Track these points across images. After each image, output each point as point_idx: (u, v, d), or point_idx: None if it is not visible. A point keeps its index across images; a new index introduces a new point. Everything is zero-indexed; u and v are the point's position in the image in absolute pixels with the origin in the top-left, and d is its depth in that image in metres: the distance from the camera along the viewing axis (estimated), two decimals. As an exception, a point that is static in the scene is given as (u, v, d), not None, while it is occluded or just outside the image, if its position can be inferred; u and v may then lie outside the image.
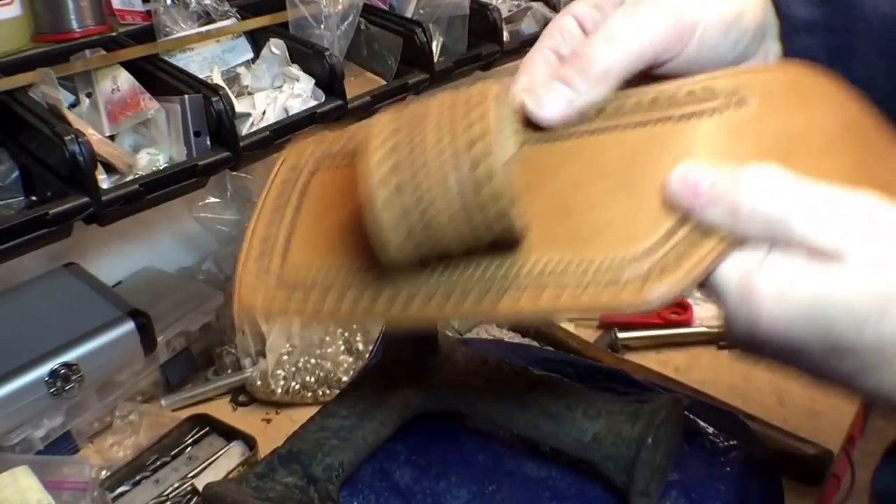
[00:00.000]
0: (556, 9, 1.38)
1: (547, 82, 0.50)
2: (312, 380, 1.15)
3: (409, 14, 1.20)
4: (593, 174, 0.48)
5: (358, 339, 1.18)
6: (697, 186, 0.44)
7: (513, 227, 0.45)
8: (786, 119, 0.47)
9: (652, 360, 1.14)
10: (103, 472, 1.00)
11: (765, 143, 0.46)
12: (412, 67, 1.15)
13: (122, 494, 0.99)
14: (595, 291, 0.45)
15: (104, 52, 0.95)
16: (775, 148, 0.46)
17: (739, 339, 0.44)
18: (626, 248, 0.45)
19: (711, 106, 0.48)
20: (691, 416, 0.80)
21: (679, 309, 1.23)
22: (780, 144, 0.46)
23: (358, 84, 1.13)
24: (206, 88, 0.93)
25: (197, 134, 0.94)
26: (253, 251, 0.55)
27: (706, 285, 0.44)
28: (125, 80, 0.93)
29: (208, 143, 0.95)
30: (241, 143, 0.95)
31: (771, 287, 0.41)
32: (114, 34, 0.99)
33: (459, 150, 0.44)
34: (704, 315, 1.23)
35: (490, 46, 1.26)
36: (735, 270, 0.43)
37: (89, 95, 0.94)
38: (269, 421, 1.13)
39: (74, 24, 0.96)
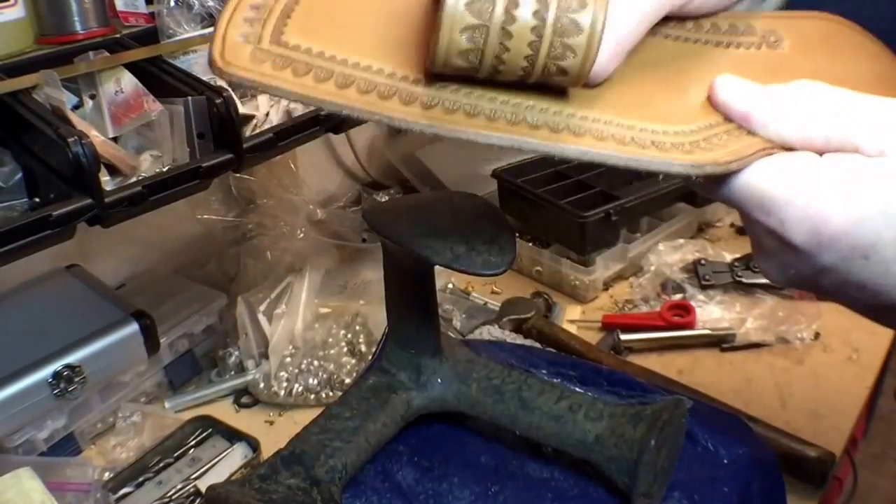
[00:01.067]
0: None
1: None
2: (315, 381, 1.15)
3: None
4: (653, 67, 0.50)
5: (361, 340, 1.19)
6: (749, 91, 0.47)
7: (583, 68, 0.43)
8: (818, 64, 0.52)
9: (654, 363, 1.14)
10: (106, 474, 1.00)
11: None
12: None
13: (125, 496, 0.99)
14: (637, 147, 0.47)
15: (107, 54, 0.95)
16: None
17: (800, 245, 0.45)
18: (666, 123, 0.48)
19: (749, 40, 0.52)
20: (694, 418, 0.80)
21: (682, 311, 1.23)
22: None
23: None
24: (209, 90, 0.93)
25: (200, 136, 0.94)
26: (240, 12, 0.47)
27: (750, 199, 0.47)
28: (128, 81, 0.94)
29: (211, 145, 0.95)
30: (245, 146, 0.95)
31: (838, 187, 0.43)
32: (117, 36, 0.99)
33: None
34: (707, 318, 1.22)
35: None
36: (791, 175, 0.45)
37: (93, 97, 0.94)
38: (272, 423, 1.13)
39: (78, 26, 0.96)
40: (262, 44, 0.45)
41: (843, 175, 0.43)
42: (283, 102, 1.04)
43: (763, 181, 0.46)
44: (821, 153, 0.45)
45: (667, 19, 0.52)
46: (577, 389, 0.77)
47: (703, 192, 0.50)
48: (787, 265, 0.47)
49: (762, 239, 0.48)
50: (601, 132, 0.47)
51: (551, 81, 0.44)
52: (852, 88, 0.48)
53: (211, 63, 0.45)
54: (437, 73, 0.44)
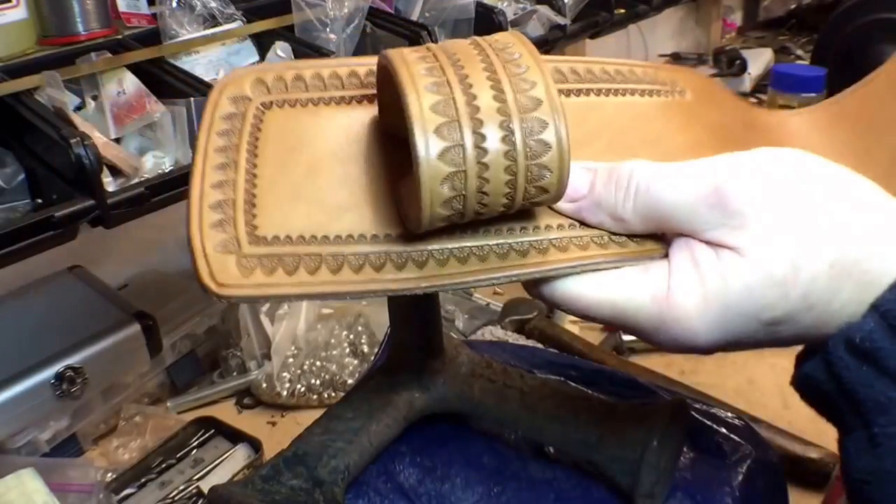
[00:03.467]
0: (561, 12, 1.38)
1: None
2: (318, 382, 1.15)
3: (414, 17, 1.20)
4: (584, 137, 0.48)
5: (363, 341, 1.18)
6: (578, 189, 0.46)
7: (561, 183, 0.42)
8: (713, 112, 0.51)
9: (657, 363, 1.14)
10: (109, 475, 1.00)
11: (708, 128, 0.48)
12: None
13: (127, 497, 0.99)
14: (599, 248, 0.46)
15: (110, 55, 0.95)
16: (715, 134, 0.48)
17: (677, 350, 0.46)
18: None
19: (662, 88, 0.50)
20: (696, 418, 0.80)
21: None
22: (716, 132, 0.49)
23: (363, 87, 1.13)
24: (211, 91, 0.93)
25: (202, 137, 0.94)
26: (206, 219, 0.42)
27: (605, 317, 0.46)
28: (131, 82, 0.94)
29: (214, 145, 0.95)
30: (247, 146, 0.95)
31: (692, 304, 0.42)
32: (119, 37, 0.99)
33: (523, 107, 0.40)
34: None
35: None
36: (645, 299, 0.44)
37: (95, 98, 0.94)
38: (274, 423, 1.13)
39: (80, 27, 0.96)
40: (243, 249, 0.42)
41: (694, 287, 0.43)
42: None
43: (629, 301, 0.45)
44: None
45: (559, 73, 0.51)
46: (580, 390, 0.77)
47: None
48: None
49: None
50: (581, 239, 0.46)
51: (534, 203, 0.43)
52: (735, 134, 0.49)
53: (204, 288, 0.41)
54: (424, 229, 0.42)
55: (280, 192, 0.44)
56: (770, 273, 0.40)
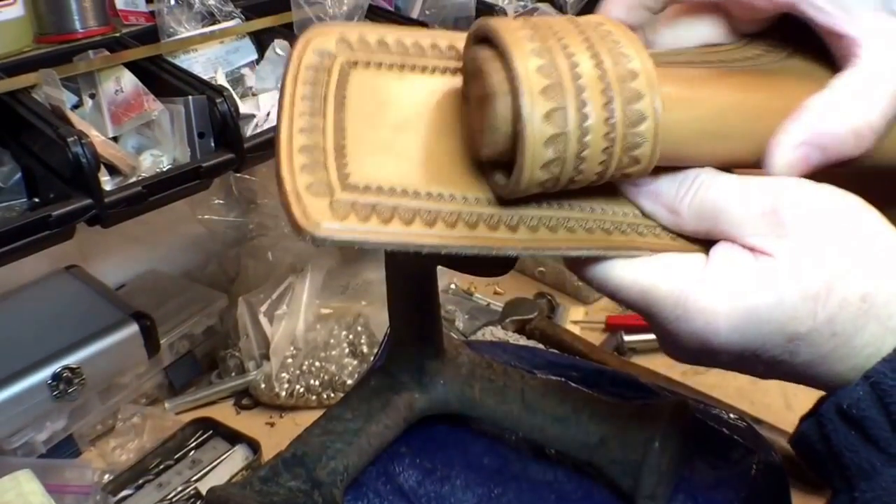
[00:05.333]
0: (562, 10, 1.37)
1: None
2: (317, 383, 1.14)
3: (414, 15, 1.20)
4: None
5: (362, 341, 1.18)
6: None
7: (653, 153, 0.42)
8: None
9: (658, 364, 1.14)
10: (106, 476, 1.00)
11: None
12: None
13: (124, 498, 0.99)
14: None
15: (107, 53, 0.94)
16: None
17: (689, 351, 0.45)
18: None
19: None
20: (698, 419, 0.79)
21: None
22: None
23: (363, 85, 1.13)
24: (209, 90, 0.93)
25: (201, 135, 0.93)
26: (296, 161, 0.42)
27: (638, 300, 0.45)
28: (128, 81, 0.93)
29: (212, 144, 0.94)
30: (245, 145, 0.95)
31: (722, 299, 0.42)
32: (117, 35, 0.99)
33: (622, 77, 0.40)
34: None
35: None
36: (677, 283, 0.44)
37: (92, 96, 0.93)
38: (272, 424, 1.13)
39: (77, 25, 0.95)
40: (335, 194, 0.41)
41: (727, 284, 0.43)
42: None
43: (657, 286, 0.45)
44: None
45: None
46: (581, 391, 0.77)
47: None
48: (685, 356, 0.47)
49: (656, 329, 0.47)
50: (644, 227, 0.46)
51: (623, 173, 0.43)
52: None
53: (296, 227, 0.40)
54: (520, 193, 0.42)
55: (370, 145, 0.44)
56: (804, 286, 0.40)
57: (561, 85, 0.39)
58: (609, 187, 0.46)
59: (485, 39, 0.42)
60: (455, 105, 0.46)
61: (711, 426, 0.79)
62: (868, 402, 0.40)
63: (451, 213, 0.43)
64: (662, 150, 0.42)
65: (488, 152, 0.42)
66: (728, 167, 0.46)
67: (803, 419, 0.45)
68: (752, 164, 0.45)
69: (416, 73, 0.46)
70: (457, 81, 0.46)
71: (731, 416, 0.81)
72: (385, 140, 0.44)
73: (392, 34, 0.47)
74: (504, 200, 0.44)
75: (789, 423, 0.97)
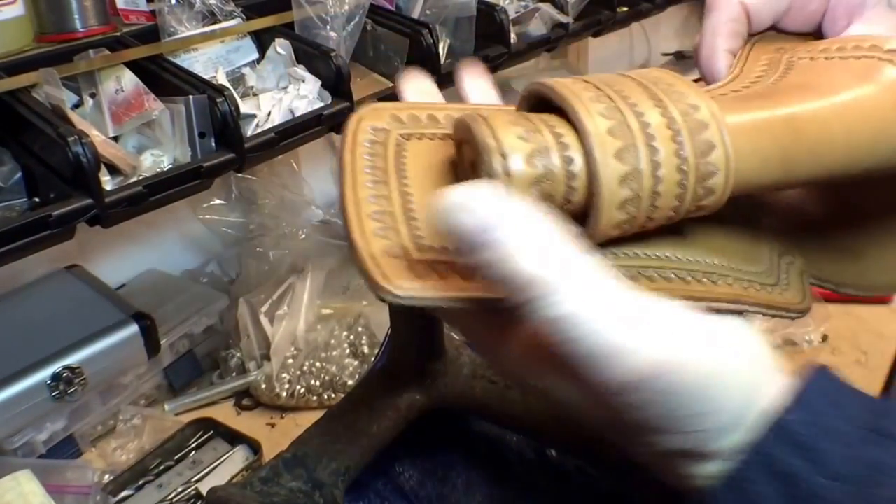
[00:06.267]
0: (563, 10, 1.37)
1: None
2: (317, 383, 1.14)
3: (415, 15, 1.19)
4: None
5: (363, 342, 1.18)
6: None
7: (727, 184, 0.42)
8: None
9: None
10: (106, 477, 1.00)
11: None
12: (419, 69, 1.14)
13: (125, 499, 0.99)
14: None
15: (108, 53, 0.94)
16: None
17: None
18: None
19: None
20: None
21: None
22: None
23: (364, 85, 1.13)
24: (210, 89, 0.93)
25: (201, 135, 0.93)
26: (367, 227, 0.42)
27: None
28: (129, 80, 0.93)
29: (213, 144, 0.94)
30: (246, 145, 0.94)
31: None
32: (118, 34, 0.99)
33: (685, 112, 0.41)
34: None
35: (497, 48, 1.25)
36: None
37: (93, 96, 0.93)
38: (273, 425, 1.13)
39: (78, 24, 0.95)
40: (411, 254, 0.41)
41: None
42: (285, 102, 1.03)
43: None
44: None
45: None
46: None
47: None
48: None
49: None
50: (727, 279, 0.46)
51: (699, 207, 0.43)
52: None
53: (379, 290, 0.39)
54: (598, 239, 0.42)
55: (421, 202, 0.44)
56: None
57: (626, 124, 0.40)
58: (675, 234, 0.46)
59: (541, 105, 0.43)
60: None
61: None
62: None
63: None
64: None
65: None
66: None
67: None
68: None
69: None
70: None
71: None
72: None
73: (442, 111, 0.49)
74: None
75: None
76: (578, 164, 0.40)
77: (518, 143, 0.39)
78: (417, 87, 0.53)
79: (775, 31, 0.54)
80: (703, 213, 0.43)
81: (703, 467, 0.38)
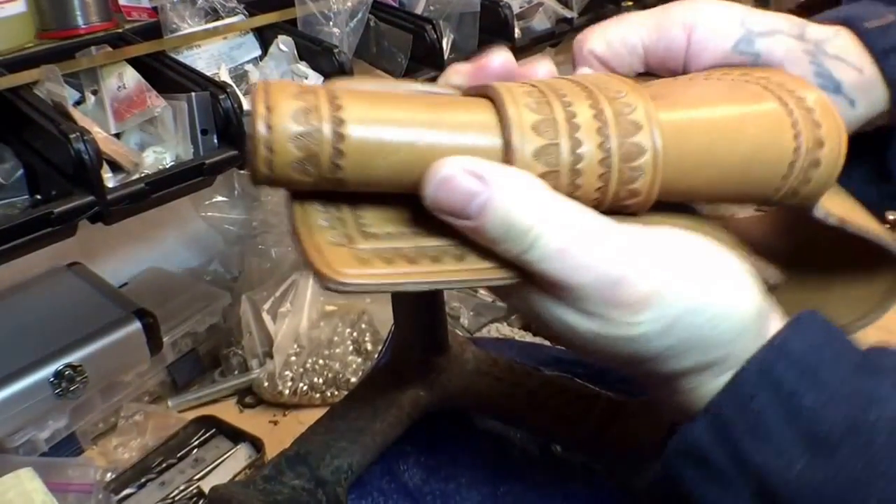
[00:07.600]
0: (567, 5, 1.37)
1: None
2: (320, 381, 1.14)
3: (419, 11, 1.19)
4: None
5: (366, 338, 1.18)
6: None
7: (653, 186, 0.42)
8: None
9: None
10: (108, 474, 1.00)
11: None
12: (422, 65, 1.14)
13: (127, 497, 0.99)
14: None
15: (110, 49, 0.94)
16: None
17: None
18: None
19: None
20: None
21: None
22: None
23: (367, 82, 1.12)
24: (213, 86, 0.92)
25: (204, 132, 0.93)
26: (313, 216, 0.43)
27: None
28: (131, 77, 0.93)
29: (215, 141, 0.94)
30: (249, 142, 0.94)
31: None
32: (120, 31, 0.99)
33: (619, 113, 0.41)
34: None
35: (501, 43, 1.25)
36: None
37: (95, 93, 0.93)
38: (276, 423, 1.13)
39: (80, 21, 0.95)
40: (356, 244, 0.41)
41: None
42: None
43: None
44: None
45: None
46: (588, 387, 0.76)
47: None
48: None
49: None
50: None
51: (622, 206, 0.43)
52: None
53: (322, 278, 0.39)
54: None
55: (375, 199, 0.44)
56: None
57: (553, 119, 0.41)
58: None
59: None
60: None
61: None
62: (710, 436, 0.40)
63: (434, 247, 0.43)
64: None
65: None
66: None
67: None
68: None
69: None
70: None
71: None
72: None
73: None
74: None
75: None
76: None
77: (292, 102, 0.39)
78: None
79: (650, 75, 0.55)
80: (637, 199, 0.43)
81: (707, 382, 0.41)
